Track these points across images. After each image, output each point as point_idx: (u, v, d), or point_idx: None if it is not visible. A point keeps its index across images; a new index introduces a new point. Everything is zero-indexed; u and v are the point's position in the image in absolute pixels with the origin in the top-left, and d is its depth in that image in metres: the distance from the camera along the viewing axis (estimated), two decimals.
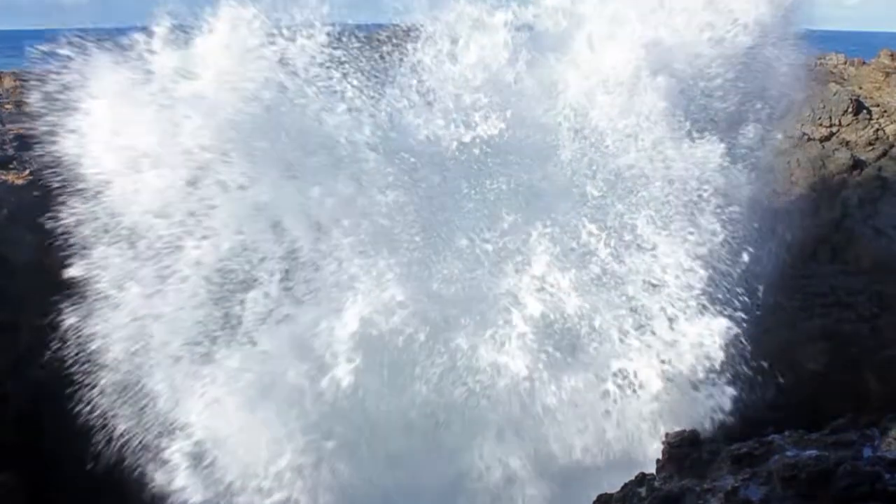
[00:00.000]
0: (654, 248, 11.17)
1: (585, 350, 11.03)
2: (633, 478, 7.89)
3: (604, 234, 11.05)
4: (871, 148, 19.05)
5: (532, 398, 10.77)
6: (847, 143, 18.80)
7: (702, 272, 10.86)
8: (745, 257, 11.03)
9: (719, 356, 10.68)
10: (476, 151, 10.75)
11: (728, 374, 10.81)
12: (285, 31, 10.85)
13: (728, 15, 12.08)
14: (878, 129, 19.29)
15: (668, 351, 10.91)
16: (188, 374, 10.32)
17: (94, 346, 10.21)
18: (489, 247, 11.03)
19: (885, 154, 18.88)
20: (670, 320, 10.96)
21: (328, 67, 10.77)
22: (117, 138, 10.03)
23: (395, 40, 11.01)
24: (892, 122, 19.69)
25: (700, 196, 11.15)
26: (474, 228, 11.06)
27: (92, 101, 10.23)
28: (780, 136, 12.92)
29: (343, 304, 10.43)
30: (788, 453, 7.19)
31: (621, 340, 11.03)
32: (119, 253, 10.11)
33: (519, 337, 10.74)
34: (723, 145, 11.12)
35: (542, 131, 11.28)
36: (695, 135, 11.22)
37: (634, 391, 10.90)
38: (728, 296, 10.78)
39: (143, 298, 10.18)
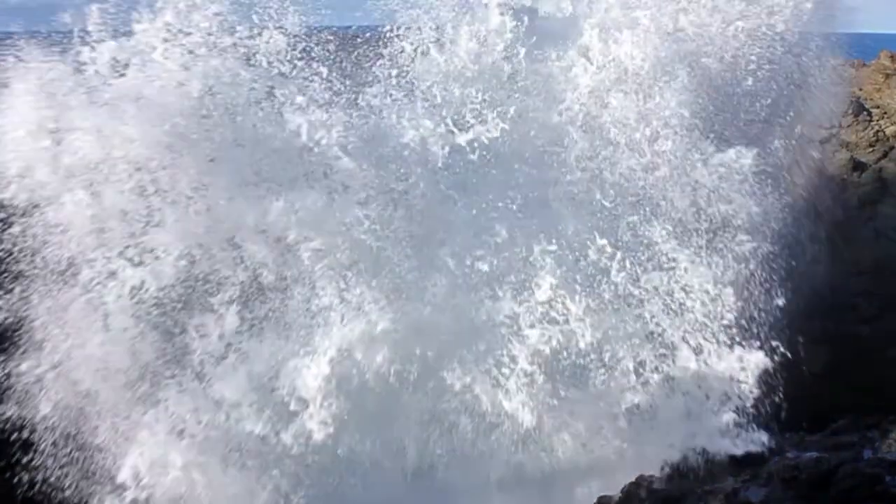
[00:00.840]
0: (674, 268, 9.37)
1: (597, 383, 9.26)
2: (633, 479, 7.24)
3: (617, 251, 9.21)
4: (871, 150, 17.85)
5: (537, 444, 9.10)
6: (847, 144, 17.35)
7: (731, 297, 9.12)
8: (781, 278, 9.31)
9: (753, 394, 8.95)
10: (469, 156, 8.96)
11: (761, 415, 9.02)
12: (254, 20, 9.06)
13: (763, 4, 9.98)
14: (878, 131, 18.16)
15: (691, 386, 9.15)
16: (128, 423, 8.46)
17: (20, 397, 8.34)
18: (485, 266, 9.14)
19: (885, 156, 17.64)
20: (695, 351, 9.15)
21: (296, 62, 8.89)
22: (39, 147, 8.00)
23: (375, 40, 8.88)
24: (892, 124, 19.01)
25: (727, 209, 9.40)
26: (468, 245, 9.19)
27: (13, 100, 8.28)
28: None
29: (314, 339, 8.66)
30: (789, 455, 7.13)
31: (638, 373, 9.20)
32: (43, 286, 8.23)
33: (522, 375, 8.96)
34: (753, 154, 9.39)
35: (546, 133, 9.47)
36: (721, 141, 9.54)
37: (652, 429, 9.15)
38: (763, 322, 9.08)
39: (73, 337, 8.30)
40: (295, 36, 9.11)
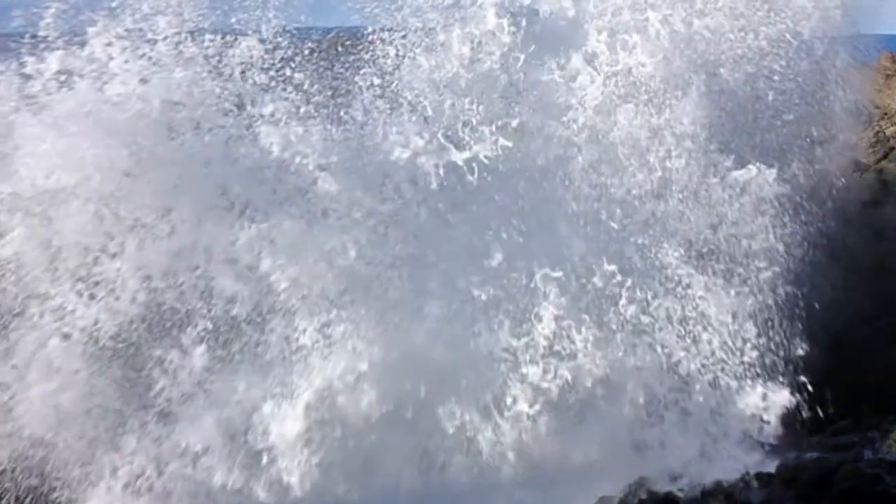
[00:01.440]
0: (688, 296, 8.46)
1: (604, 420, 8.31)
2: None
3: (626, 277, 8.25)
4: (871, 150, 17.51)
5: (538, 485, 8.09)
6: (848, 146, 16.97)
7: (752, 329, 8.28)
8: (805, 308, 8.44)
9: (777, 433, 8.08)
10: (464, 174, 7.91)
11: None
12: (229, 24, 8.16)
13: (788, 8, 8.92)
14: (878, 132, 17.66)
15: (710, 424, 8.30)
16: (84, 474, 7.42)
17: None
18: (482, 294, 8.12)
19: (885, 157, 16.59)
20: (712, 386, 8.31)
21: (271, 72, 7.91)
22: None
23: (357, 45, 7.79)
24: (892, 125, 18.17)
25: (745, 232, 8.51)
26: (463, 271, 8.17)
27: None
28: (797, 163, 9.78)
29: (292, 378, 7.67)
30: (789, 455, 6.96)
31: (649, 409, 8.31)
32: None
33: (522, 412, 8.07)
34: (772, 174, 8.51)
35: (549, 148, 8.44)
36: (738, 159, 8.60)
37: (664, 468, 8.07)
38: (788, 357, 8.20)
39: (22, 381, 7.28)
40: (271, 42, 7.99)
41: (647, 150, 8.41)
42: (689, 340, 8.42)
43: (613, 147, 8.39)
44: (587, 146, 8.42)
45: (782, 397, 7.95)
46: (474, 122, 7.88)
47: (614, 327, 8.38)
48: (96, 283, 7.27)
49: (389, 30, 8.24)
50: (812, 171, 9.18)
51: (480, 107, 8.14)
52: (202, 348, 7.58)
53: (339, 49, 8.20)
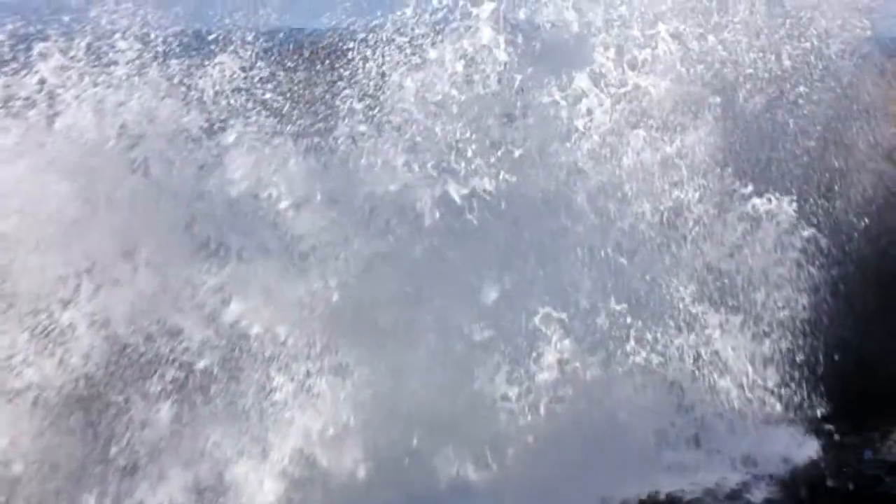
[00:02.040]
0: (703, 335, 7.80)
1: (612, 465, 7.55)
2: None
3: (636, 316, 7.53)
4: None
5: None
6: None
7: (773, 373, 7.63)
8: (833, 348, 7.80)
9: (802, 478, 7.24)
10: (461, 210, 7.12)
11: None
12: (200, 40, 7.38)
13: (813, 27, 8.03)
14: None
15: (727, 469, 7.45)
16: None
17: None
18: (479, 336, 7.36)
19: (886, 158, 17.27)
20: (731, 431, 7.66)
21: (243, 92, 7.11)
22: None
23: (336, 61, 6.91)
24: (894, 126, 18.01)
25: (763, 267, 7.82)
26: (457, 311, 7.40)
27: None
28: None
29: (267, 435, 6.93)
30: (789, 455, 6.85)
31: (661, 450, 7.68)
32: None
33: (522, 461, 7.34)
34: (793, 205, 7.77)
35: (551, 176, 7.63)
36: (756, 188, 7.83)
37: None
38: (817, 402, 7.59)
39: None
40: (247, 61, 7.14)
41: (657, 179, 7.56)
42: (704, 384, 7.79)
43: (621, 176, 7.57)
44: (593, 175, 7.67)
45: (810, 448, 7.29)
46: (470, 152, 6.97)
47: (622, 371, 7.67)
48: (47, 334, 6.50)
49: (373, 45, 7.29)
50: (834, 205, 8.26)
51: (475, 133, 7.27)
52: (169, 400, 6.82)
53: (320, 67, 7.24)
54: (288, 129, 7.12)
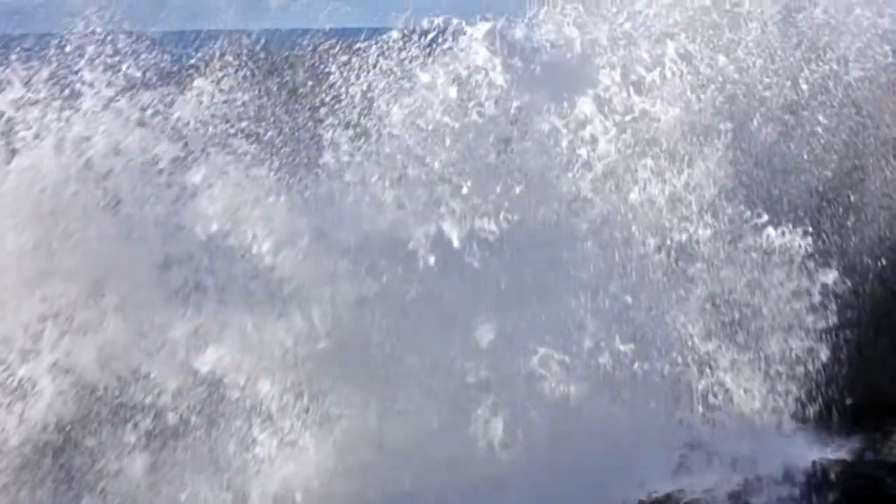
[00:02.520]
0: (714, 374, 7.21)
1: (616, 471, 7.09)
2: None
3: (643, 360, 6.99)
4: None
5: None
6: None
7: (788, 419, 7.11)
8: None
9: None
10: (458, 254, 6.61)
11: None
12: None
13: (832, 50, 7.48)
14: None
15: (731, 472, 7.01)
16: None
17: None
18: (474, 379, 6.81)
19: None
20: (732, 432, 7.19)
21: (219, 120, 6.56)
22: None
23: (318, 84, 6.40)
24: None
25: (774, 301, 7.20)
26: (451, 351, 6.84)
27: None
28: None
29: (246, 484, 6.48)
30: (789, 456, 6.73)
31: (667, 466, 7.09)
32: None
33: None
34: (808, 240, 7.13)
35: (552, 209, 7.03)
36: (769, 221, 7.19)
37: None
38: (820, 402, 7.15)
39: None
40: (224, 85, 6.61)
41: (666, 211, 6.97)
42: (716, 426, 7.26)
43: (627, 209, 6.97)
44: (597, 208, 7.08)
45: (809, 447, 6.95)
46: (464, 186, 6.43)
47: (626, 410, 7.16)
48: (6, 386, 6.10)
49: (359, 69, 6.76)
50: (851, 241, 7.72)
51: (470, 164, 6.72)
52: (142, 450, 6.42)
53: (302, 92, 6.71)
54: (268, 160, 6.61)
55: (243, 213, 6.33)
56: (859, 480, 6.48)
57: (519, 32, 7.26)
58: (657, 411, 7.26)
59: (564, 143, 6.98)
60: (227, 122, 6.47)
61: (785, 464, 6.62)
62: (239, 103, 6.59)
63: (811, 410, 7.28)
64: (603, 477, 7.13)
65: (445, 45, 6.98)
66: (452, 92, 6.92)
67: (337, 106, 6.87)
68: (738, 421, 7.37)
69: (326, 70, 6.91)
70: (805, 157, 7.50)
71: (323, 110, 6.82)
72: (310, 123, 6.75)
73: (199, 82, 6.75)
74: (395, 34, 6.83)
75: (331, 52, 6.93)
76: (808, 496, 6.34)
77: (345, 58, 6.86)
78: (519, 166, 6.92)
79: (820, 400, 7.26)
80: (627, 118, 7.08)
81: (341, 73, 6.92)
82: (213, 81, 6.66)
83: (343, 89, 6.93)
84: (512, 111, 6.97)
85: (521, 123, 6.97)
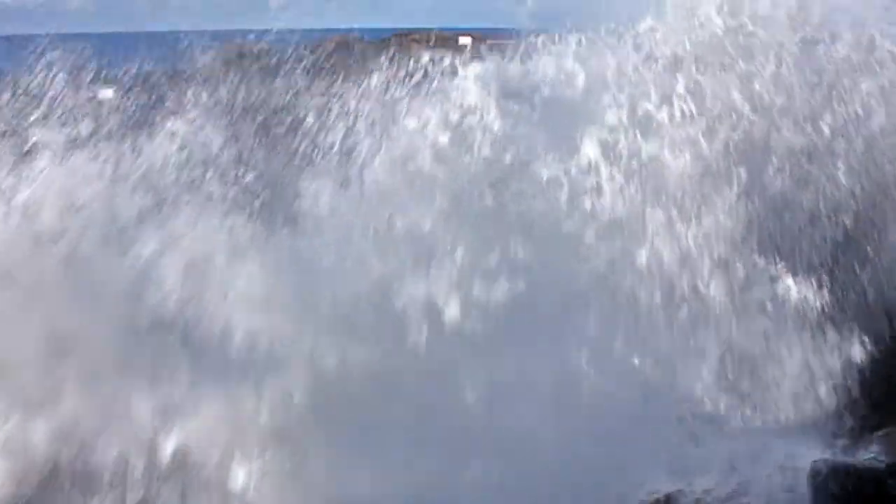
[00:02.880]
0: (726, 432, 6.92)
1: (615, 471, 6.73)
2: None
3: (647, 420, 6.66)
4: None
5: None
6: None
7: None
8: None
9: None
10: (454, 327, 6.02)
11: None
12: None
13: (855, 94, 6.95)
14: None
15: (731, 473, 6.71)
16: None
17: None
18: (466, 436, 6.34)
19: None
20: (732, 431, 7.00)
21: (194, 171, 5.86)
22: None
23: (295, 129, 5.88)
24: None
25: (783, 355, 6.99)
26: (441, 408, 6.31)
27: None
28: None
29: None
30: (789, 456, 6.58)
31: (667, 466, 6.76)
32: None
33: None
34: (822, 293, 6.85)
35: (553, 263, 6.52)
36: (780, 271, 6.84)
37: None
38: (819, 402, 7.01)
39: None
40: (192, 125, 6.06)
41: (676, 265, 6.45)
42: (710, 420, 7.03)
43: (635, 265, 6.45)
44: (602, 261, 6.59)
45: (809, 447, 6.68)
46: (459, 253, 5.86)
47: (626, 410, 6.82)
48: None
49: (342, 112, 6.18)
50: (864, 297, 7.33)
51: (461, 214, 6.12)
52: None
53: (281, 139, 6.12)
54: (243, 212, 6.00)
55: (216, 271, 5.74)
56: (859, 480, 6.32)
57: (515, 69, 6.68)
58: (657, 411, 6.98)
59: (566, 192, 6.44)
60: (202, 170, 5.87)
61: (785, 464, 6.49)
62: (214, 147, 6.00)
63: (811, 410, 7.17)
64: (603, 477, 6.85)
65: (435, 85, 6.39)
66: (444, 137, 6.37)
67: (319, 154, 6.34)
68: (738, 421, 7.24)
69: (307, 116, 6.30)
70: (822, 209, 7.02)
71: (302, 160, 6.25)
72: (289, 172, 6.18)
73: (171, 125, 6.15)
74: (378, 77, 6.21)
75: (315, 93, 6.33)
76: (808, 496, 6.18)
77: (326, 101, 6.26)
78: (515, 217, 6.38)
79: (820, 400, 7.16)
80: (635, 162, 6.51)
81: (324, 117, 6.33)
82: (183, 123, 6.03)
83: (326, 135, 6.38)
84: (509, 157, 6.42)
85: (517, 169, 6.41)
